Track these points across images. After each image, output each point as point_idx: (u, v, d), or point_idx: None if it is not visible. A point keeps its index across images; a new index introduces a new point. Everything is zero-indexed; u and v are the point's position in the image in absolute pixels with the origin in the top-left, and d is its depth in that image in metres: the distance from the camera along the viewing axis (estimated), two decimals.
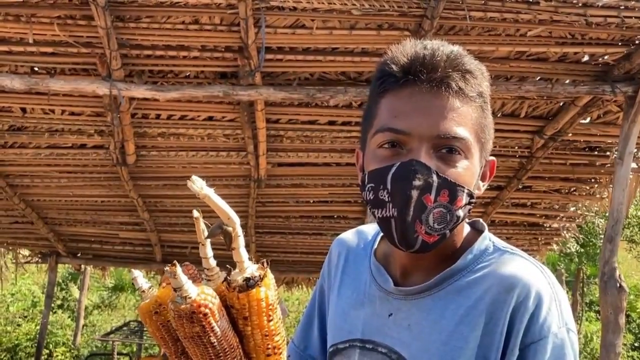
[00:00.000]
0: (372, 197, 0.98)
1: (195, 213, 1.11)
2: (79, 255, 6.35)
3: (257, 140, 4.18)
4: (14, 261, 6.78)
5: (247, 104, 3.85)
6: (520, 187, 4.82)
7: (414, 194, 0.93)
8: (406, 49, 0.98)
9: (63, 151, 4.42)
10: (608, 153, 4.49)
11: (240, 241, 1.11)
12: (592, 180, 4.78)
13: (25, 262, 6.80)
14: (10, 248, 6.48)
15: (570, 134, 4.24)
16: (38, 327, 8.05)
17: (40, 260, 6.55)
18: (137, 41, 3.34)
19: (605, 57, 3.44)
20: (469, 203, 0.97)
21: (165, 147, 4.39)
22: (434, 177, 0.93)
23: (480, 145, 0.99)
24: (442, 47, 0.97)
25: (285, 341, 1.25)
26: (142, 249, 6.01)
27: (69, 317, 11.22)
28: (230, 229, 1.10)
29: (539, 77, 3.61)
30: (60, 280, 11.75)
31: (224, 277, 1.18)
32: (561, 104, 3.98)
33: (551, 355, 0.91)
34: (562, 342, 0.92)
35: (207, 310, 1.06)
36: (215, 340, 1.08)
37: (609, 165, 4.51)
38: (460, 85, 0.95)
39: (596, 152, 4.53)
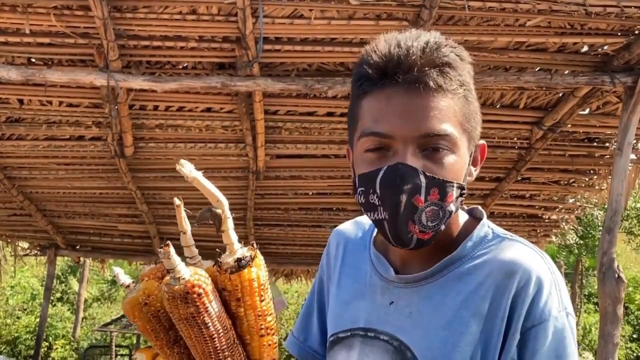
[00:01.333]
0: (363, 201, 0.99)
1: (177, 201, 1.11)
2: (77, 247, 6.36)
3: (255, 131, 4.17)
4: (13, 254, 6.78)
5: (245, 95, 3.84)
6: (519, 178, 4.82)
7: (403, 197, 0.93)
8: (380, 47, 0.97)
9: (61, 143, 4.42)
10: (607, 144, 4.48)
11: (230, 223, 1.12)
12: (591, 171, 4.78)
13: (24, 255, 6.81)
14: (9, 241, 6.48)
15: (569, 125, 4.24)
16: (37, 320, 8.06)
17: (39, 252, 6.56)
18: (134, 32, 3.32)
19: (605, 48, 3.43)
20: (461, 195, 0.99)
21: (164, 139, 4.39)
22: (422, 178, 0.93)
23: (467, 135, 0.99)
24: (416, 42, 0.95)
25: (276, 322, 1.25)
26: (141, 241, 6.01)
27: (69, 309, 11.25)
28: (219, 211, 1.11)
29: (538, 68, 3.60)
30: (60, 273, 11.77)
31: (213, 262, 1.18)
32: (560, 94, 3.97)
33: (552, 338, 0.93)
34: (562, 325, 0.95)
35: (201, 291, 1.06)
36: (209, 321, 1.08)
37: (608, 156, 4.51)
38: (439, 82, 0.94)
39: (595, 143, 4.53)
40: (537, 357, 0.93)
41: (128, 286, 1.21)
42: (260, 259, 1.18)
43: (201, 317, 1.07)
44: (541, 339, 0.93)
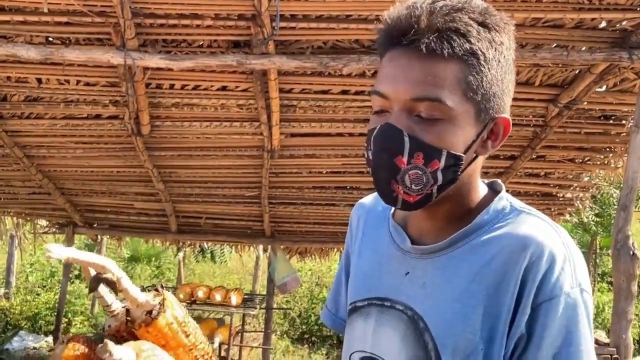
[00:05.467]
0: (365, 156, 1.04)
1: (91, 271, 1.20)
2: (95, 225, 6.44)
3: (270, 110, 4.19)
4: (32, 232, 6.88)
5: (260, 74, 3.85)
6: (533, 156, 4.79)
7: (385, 156, 0.97)
8: (393, 12, 0.99)
9: (78, 122, 4.46)
10: (624, 121, 4.44)
11: (125, 281, 1.16)
12: (607, 149, 4.75)
13: (43, 233, 6.91)
14: (28, 219, 6.58)
15: (585, 102, 4.20)
16: (57, 297, 8.22)
17: (57, 230, 6.64)
18: (150, 10, 3.34)
19: (623, 23, 3.39)
20: (455, 165, 0.98)
21: (179, 118, 4.42)
22: (406, 140, 0.95)
23: (474, 106, 0.97)
24: (428, 6, 0.95)
25: (209, 345, 1.31)
26: (158, 219, 6.08)
27: (86, 287, 11.43)
28: (109, 275, 1.15)
29: (554, 45, 3.57)
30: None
31: (124, 313, 1.23)
32: (577, 71, 3.94)
33: (562, 315, 0.93)
34: (574, 301, 0.94)
35: None
36: None
37: (624, 134, 4.47)
38: (442, 46, 0.93)
39: (611, 121, 4.49)
40: (546, 332, 0.93)
41: (109, 305, 1.28)
42: (170, 299, 1.22)
43: None
44: (551, 315, 0.93)
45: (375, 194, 1.29)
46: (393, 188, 0.98)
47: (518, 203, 1.06)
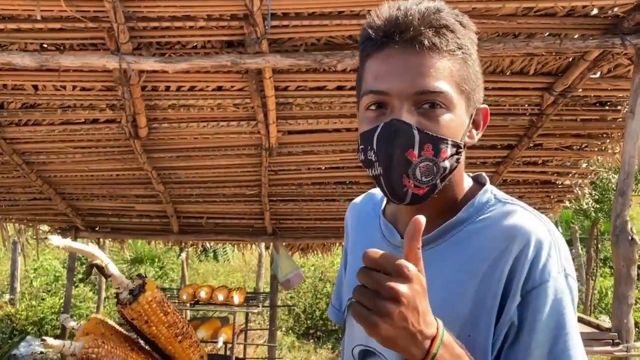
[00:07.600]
0: (363, 158, 1.05)
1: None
2: (97, 229, 6.46)
3: (266, 108, 4.20)
4: (35, 237, 6.90)
5: (255, 72, 3.86)
6: (531, 145, 4.81)
7: (397, 152, 0.98)
8: (382, 12, 1.03)
9: (76, 127, 4.48)
10: (619, 107, 4.45)
11: (111, 267, 1.39)
12: (604, 135, 4.76)
13: (45, 238, 6.94)
14: (30, 225, 6.61)
15: (580, 90, 4.21)
16: (62, 301, 8.26)
17: (59, 235, 6.68)
18: (143, 13, 3.35)
19: (615, 9, 3.40)
20: (457, 153, 1.03)
21: (177, 119, 4.43)
22: (415, 133, 0.98)
23: (464, 96, 1.03)
24: (416, 6, 1.00)
25: (190, 327, 1.53)
26: (159, 221, 6.10)
27: (91, 290, 11.47)
28: (99, 261, 1.37)
29: (547, 33, 3.58)
30: (80, 255, 11.98)
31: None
32: (570, 59, 3.95)
33: (553, 299, 0.97)
34: (561, 286, 0.98)
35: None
36: None
37: (620, 119, 4.49)
38: (434, 41, 0.99)
39: (607, 107, 4.50)
40: (539, 316, 0.96)
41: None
42: (151, 283, 1.46)
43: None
44: (542, 299, 0.96)
45: (366, 193, 1.34)
46: (404, 183, 1.00)
47: (502, 195, 1.10)
